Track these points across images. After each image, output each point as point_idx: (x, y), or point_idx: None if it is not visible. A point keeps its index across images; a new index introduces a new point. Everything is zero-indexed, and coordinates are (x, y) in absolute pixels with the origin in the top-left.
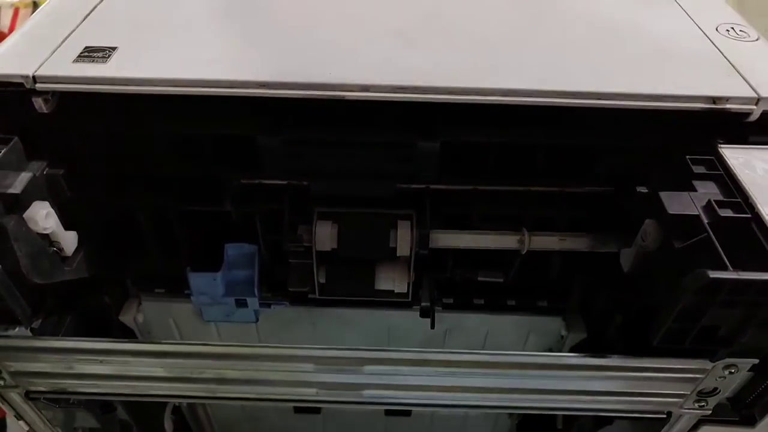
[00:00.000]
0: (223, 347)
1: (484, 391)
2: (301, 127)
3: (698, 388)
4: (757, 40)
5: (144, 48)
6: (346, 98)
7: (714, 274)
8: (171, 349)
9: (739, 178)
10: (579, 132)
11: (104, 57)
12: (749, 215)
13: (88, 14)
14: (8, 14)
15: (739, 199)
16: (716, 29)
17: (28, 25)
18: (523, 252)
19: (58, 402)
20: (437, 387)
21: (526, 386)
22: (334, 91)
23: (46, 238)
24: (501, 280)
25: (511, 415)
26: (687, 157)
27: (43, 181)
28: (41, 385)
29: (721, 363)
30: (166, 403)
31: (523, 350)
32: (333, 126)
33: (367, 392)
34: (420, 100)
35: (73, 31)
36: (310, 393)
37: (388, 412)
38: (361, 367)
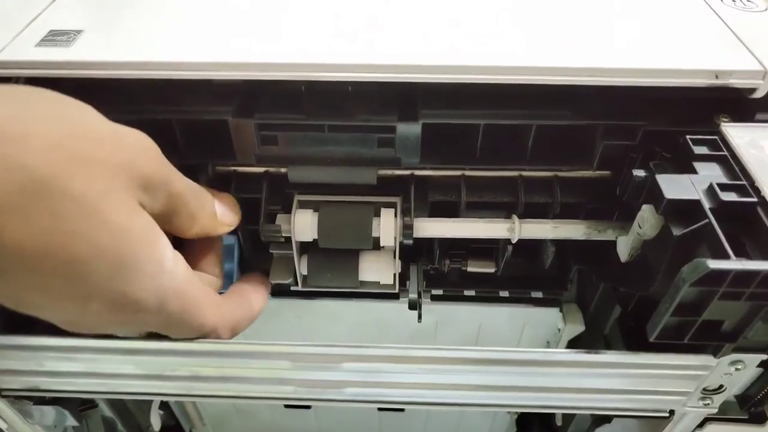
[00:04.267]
0: (196, 344)
1: (471, 388)
2: (275, 110)
3: (702, 386)
4: (765, 10)
5: (110, 31)
6: (320, 79)
7: (714, 264)
8: (141, 346)
9: (744, 158)
10: (571, 112)
11: (68, 40)
12: (755, 199)
13: None
14: None
15: (745, 182)
16: (721, 0)
17: None
18: (514, 240)
19: (32, 399)
20: (422, 384)
21: (514, 384)
22: (307, 71)
23: None
24: (492, 270)
25: (508, 411)
26: (688, 137)
27: None
28: (13, 383)
29: (726, 359)
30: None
31: (519, 343)
32: (308, 109)
33: (348, 390)
34: (395, 79)
35: (40, 14)
36: (288, 391)
37: (381, 408)
38: (339, 365)
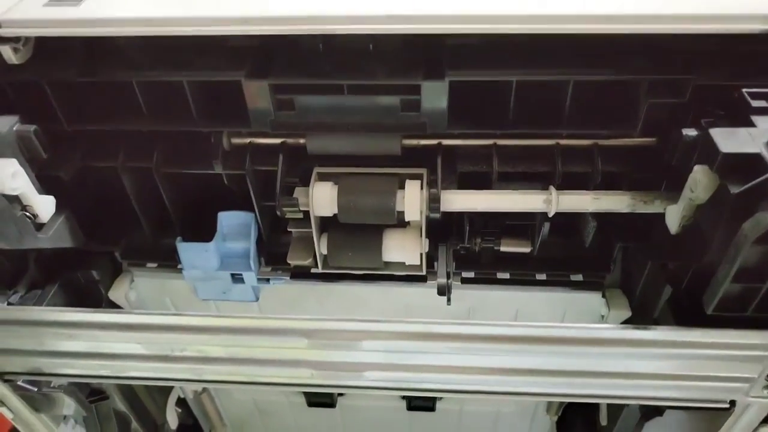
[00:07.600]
0: (203, 318)
1: (504, 372)
2: (291, 71)
3: None
4: None
5: None
6: (335, 32)
7: None
8: (143, 320)
9: None
10: (614, 66)
11: (76, 0)
12: None
13: None
14: None
15: None
16: None
17: None
18: (551, 214)
19: (38, 385)
20: (451, 368)
21: (554, 367)
22: (322, 24)
23: (16, 201)
24: (528, 250)
25: (548, 410)
26: (744, 90)
27: (13, 138)
28: (14, 364)
29: None
30: (168, 394)
31: None
32: (326, 69)
33: (369, 373)
34: (417, 31)
35: None
36: (304, 374)
37: (410, 407)
38: (359, 342)
